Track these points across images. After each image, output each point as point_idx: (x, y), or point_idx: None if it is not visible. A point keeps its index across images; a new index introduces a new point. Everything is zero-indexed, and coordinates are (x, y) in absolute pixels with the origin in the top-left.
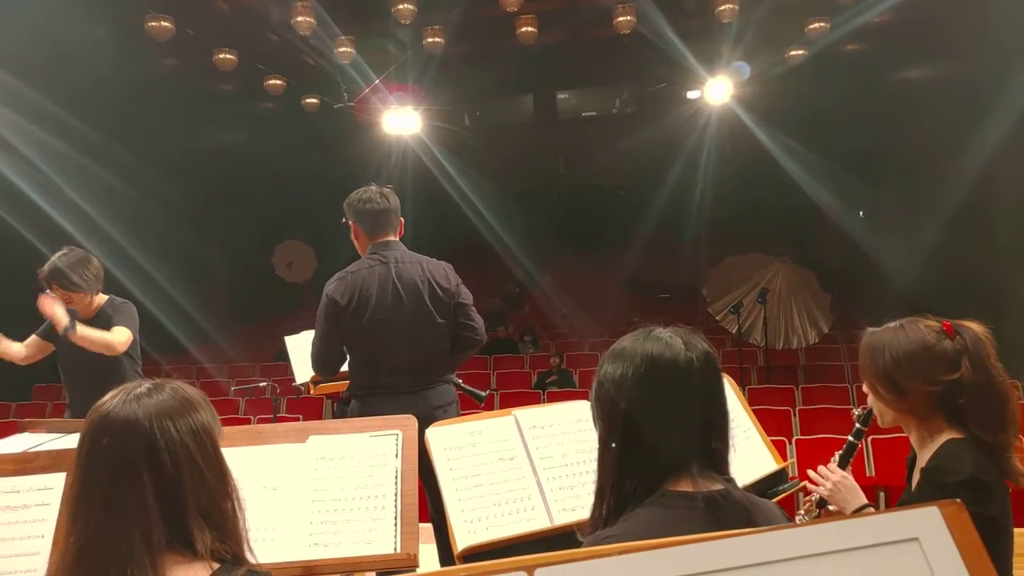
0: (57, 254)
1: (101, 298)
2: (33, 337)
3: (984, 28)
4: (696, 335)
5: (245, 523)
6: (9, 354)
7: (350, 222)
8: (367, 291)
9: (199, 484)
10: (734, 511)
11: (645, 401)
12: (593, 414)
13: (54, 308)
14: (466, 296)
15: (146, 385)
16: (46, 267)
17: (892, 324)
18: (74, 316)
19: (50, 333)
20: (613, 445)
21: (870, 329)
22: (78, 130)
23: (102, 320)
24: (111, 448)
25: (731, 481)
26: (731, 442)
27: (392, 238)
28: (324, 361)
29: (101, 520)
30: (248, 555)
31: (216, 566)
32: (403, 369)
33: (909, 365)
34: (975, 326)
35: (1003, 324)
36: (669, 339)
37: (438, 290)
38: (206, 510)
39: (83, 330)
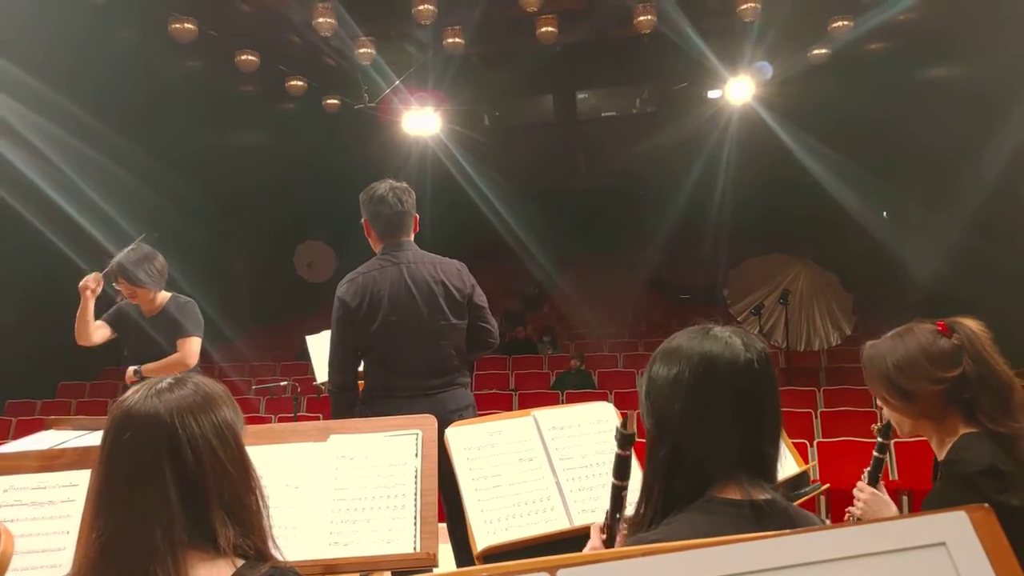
0: (125, 249)
1: (165, 295)
2: (100, 322)
3: (1008, 26)
4: (753, 335)
5: (269, 519)
6: (90, 331)
7: (363, 219)
8: (379, 293)
9: (221, 479)
10: (778, 522)
11: (702, 403)
12: (642, 412)
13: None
14: (480, 298)
15: (168, 380)
16: (113, 262)
17: (888, 334)
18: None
19: (116, 321)
20: (663, 446)
21: (869, 343)
22: (100, 131)
23: (166, 318)
24: (133, 443)
25: (778, 490)
26: (781, 448)
27: (405, 238)
28: (338, 364)
29: (123, 516)
30: (273, 551)
31: (240, 563)
32: (418, 372)
33: (911, 368)
34: (969, 322)
35: None
36: (728, 339)
37: (452, 291)
38: (229, 505)
39: (150, 367)
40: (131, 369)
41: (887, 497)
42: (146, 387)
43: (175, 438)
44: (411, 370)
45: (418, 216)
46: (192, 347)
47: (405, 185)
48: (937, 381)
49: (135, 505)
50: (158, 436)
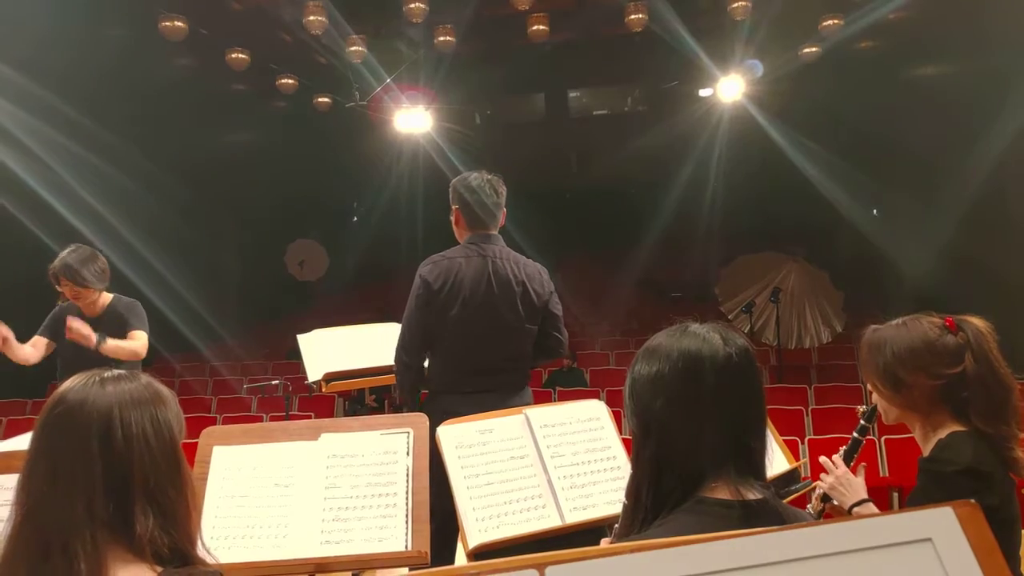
0: (65, 250)
1: (107, 296)
2: (37, 337)
3: (997, 24)
4: (733, 330)
5: (199, 523)
6: (22, 357)
7: (453, 206)
8: (460, 280)
9: (148, 465)
10: (769, 521)
11: (683, 399)
12: (627, 411)
13: (82, 327)
14: (556, 306)
15: (118, 372)
16: (56, 262)
17: (894, 321)
18: (101, 336)
19: (53, 331)
20: (649, 444)
21: (872, 327)
22: (90, 130)
23: (111, 318)
24: (63, 418)
25: (769, 489)
26: (768, 443)
27: (493, 231)
28: (407, 343)
29: (45, 488)
30: (204, 555)
31: (159, 570)
32: (485, 368)
33: (911, 360)
34: (977, 321)
35: (1019, 320)
36: (707, 335)
37: (532, 294)
38: (152, 493)
39: (112, 343)
40: (95, 335)
41: (860, 479)
42: (91, 374)
43: (108, 419)
44: (478, 366)
45: (505, 210)
46: (143, 339)
47: (499, 177)
48: (936, 376)
49: (58, 478)
50: (91, 414)
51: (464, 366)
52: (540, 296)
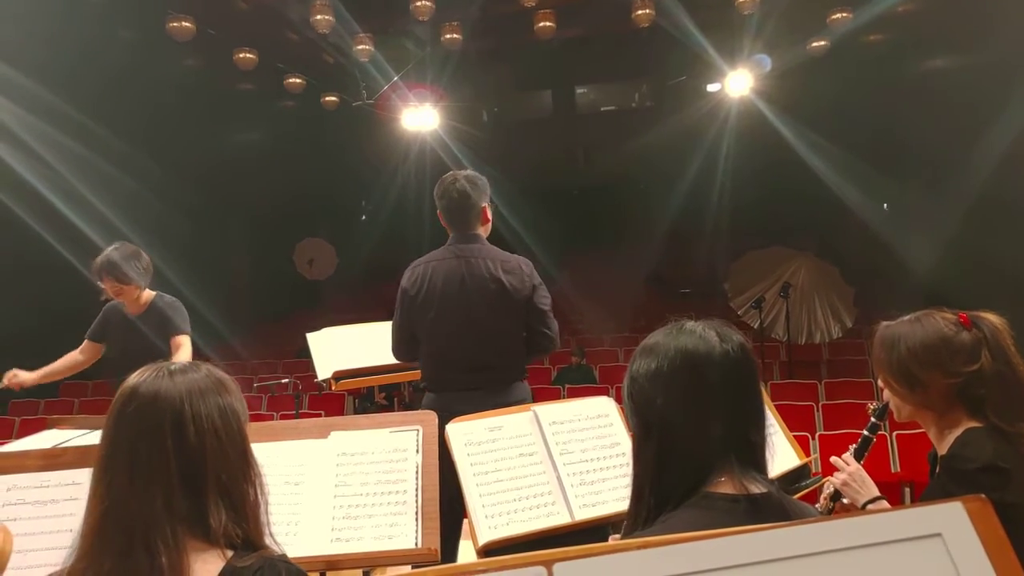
0: (109, 247)
1: (150, 293)
2: (86, 342)
3: (1006, 16)
4: (729, 326)
5: (267, 512)
6: (60, 370)
7: (437, 210)
8: (435, 284)
9: (220, 460)
10: (774, 516)
11: (681, 396)
12: (627, 410)
13: None
14: (542, 301)
15: (180, 364)
16: (99, 260)
17: (907, 317)
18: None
19: (100, 333)
20: (650, 442)
21: (884, 323)
22: (98, 132)
23: (154, 316)
24: (138, 413)
25: (773, 483)
26: (768, 437)
27: (472, 231)
28: (401, 349)
29: (124, 484)
30: (271, 544)
31: (229, 554)
32: (472, 366)
33: (927, 357)
34: (992, 316)
35: None
36: (703, 332)
37: (510, 290)
38: (225, 487)
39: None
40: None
41: (865, 475)
42: (156, 367)
43: (180, 414)
44: (463, 364)
45: (487, 207)
46: (188, 344)
47: (475, 175)
48: (953, 374)
49: (136, 474)
50: (163, 409)
51: (449, 364)
52: (520, 291)
